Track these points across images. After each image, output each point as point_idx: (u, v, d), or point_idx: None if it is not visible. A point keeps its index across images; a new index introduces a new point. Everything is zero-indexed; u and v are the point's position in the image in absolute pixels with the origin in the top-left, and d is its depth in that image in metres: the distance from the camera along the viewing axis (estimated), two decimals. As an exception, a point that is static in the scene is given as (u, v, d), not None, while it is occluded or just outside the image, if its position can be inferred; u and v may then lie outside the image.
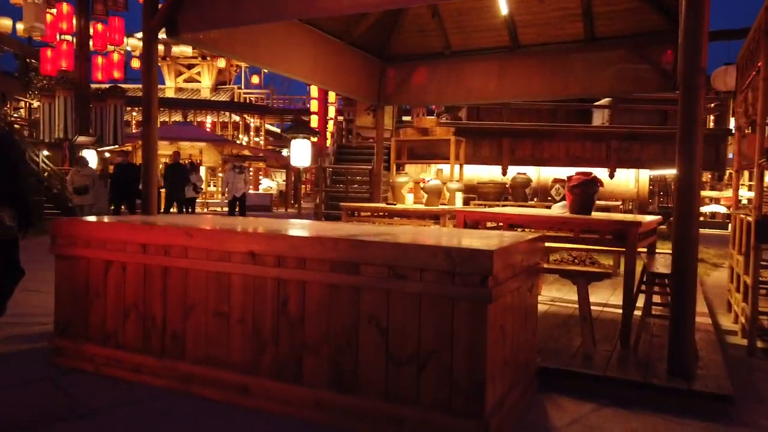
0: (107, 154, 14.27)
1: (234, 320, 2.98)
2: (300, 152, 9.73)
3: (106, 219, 3.63)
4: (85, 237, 3.43)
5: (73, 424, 2.74)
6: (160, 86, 32.03)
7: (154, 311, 3.20)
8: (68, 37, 17.62)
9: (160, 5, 4.82)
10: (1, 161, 3.60)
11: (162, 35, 4.92)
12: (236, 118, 30.86)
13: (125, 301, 3.29)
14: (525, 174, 9.62)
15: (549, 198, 8.91)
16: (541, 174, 12.81)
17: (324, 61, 6.32)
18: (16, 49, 20.62)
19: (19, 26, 18.63)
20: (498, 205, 8.65)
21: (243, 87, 33.61)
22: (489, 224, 4.60)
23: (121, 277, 3.30)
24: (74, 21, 17.65)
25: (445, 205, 6.56)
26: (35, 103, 19.90)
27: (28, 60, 20.45)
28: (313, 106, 26.13)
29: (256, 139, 32.17)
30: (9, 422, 2.74)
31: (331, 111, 26.86)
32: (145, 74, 4.81)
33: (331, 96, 26.34)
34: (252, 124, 31.98)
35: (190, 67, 32.03)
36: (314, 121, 26.55)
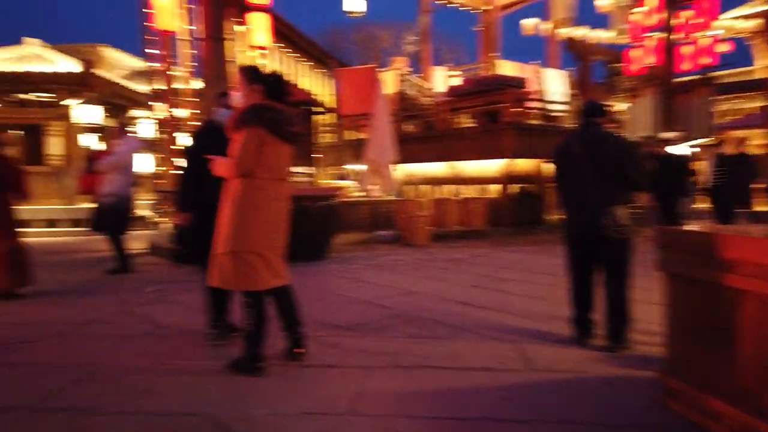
0: (696, 149, 13.12)
1: None
2: None
3: (734, 231, 2.73)
4: (702, 253, 2.63)
5: None
6: (745, 69, 28.05)
7: (824, 378, 2.08)
8: (653, 33, 17.41)
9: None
10: (621, 162, 3.68)
11: None
12: None
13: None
14: None
15: None
16: None
17: None
18: (604, 57, 22.05)
19: (606, 34, 19.81)
20: None
21: None
22: None
23: (763, 315, 2.33)
24: (658, 14, 17.29)
25: None
26: (616, 106, 20.67)
27: (612, 65, 21.62)
28: None
29: None
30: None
31: None
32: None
33: None
34: None
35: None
36: None
